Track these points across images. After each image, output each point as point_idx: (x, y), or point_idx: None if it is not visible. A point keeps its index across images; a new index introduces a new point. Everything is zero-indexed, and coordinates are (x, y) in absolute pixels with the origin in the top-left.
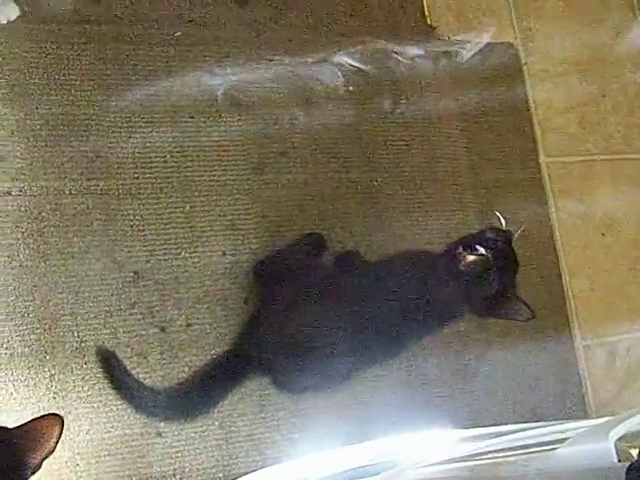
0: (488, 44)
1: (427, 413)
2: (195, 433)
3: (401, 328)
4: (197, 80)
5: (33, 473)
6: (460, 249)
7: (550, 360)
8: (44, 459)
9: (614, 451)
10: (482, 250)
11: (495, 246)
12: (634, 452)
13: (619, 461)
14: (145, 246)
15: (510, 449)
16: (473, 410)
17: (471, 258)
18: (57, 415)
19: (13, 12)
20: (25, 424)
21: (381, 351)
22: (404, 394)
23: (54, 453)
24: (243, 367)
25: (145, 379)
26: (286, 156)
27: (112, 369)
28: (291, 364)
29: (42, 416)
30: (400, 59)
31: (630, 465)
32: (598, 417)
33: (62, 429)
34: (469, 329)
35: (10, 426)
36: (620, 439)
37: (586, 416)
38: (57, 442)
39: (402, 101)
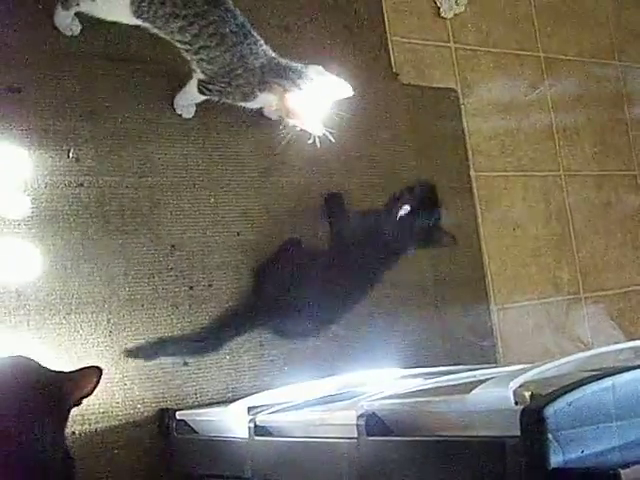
0: (437, 88)
1: (381, 354)
2: (211, 363)
3: (369, 267)
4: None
5: (74, 406)
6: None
7: (473, 320)
8: (82, 398)
9: (512, 397)
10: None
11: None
12: (528, 394)
13: (516, 404)
14: (180, 226)
15: (437, 389)
16: (416, 353)
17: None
18: (98, 367)
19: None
20: (73, 371)
21: (355, 291)
22: (360, 344)
23: (105, 375)
24: (248, 318)
25: (177, 324)
26: (285, 164)
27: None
28: (287, 318)
29: (87, 367)
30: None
31: (524, 408)
32: (505, 363)
33: (100, 378)
34: (418, 297)
35: (65, 369)
36: (520, 386)
37: (496, 362)
38: (95, 387)
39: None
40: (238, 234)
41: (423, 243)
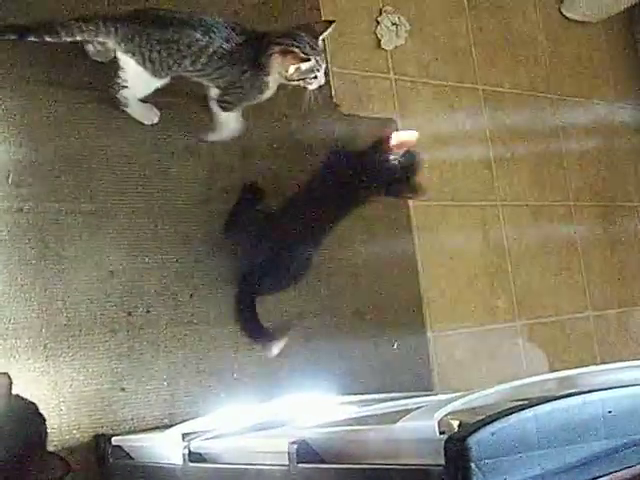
0: (377, 118)
1: (318, 381)
2: (149, 389)
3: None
4: (165, 133)
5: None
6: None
7: (410, 346)
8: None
9: (437, 427)
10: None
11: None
12: (456, 424)
13: (442, 433)
14: (119, 252)
15: (368, 417)
16: (354, 379)
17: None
18: (69, 466)
19: (155, 116)
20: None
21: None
22: (301, 371)
23: (42, 401)
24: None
25: (115, 350)
26: (228, 193)
27: None
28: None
29: (64, 459)
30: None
31: (448, 437)
32: (441, 390)
33: (66, 474)
34: (355, 324)
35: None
36: (448, 415)
37: (432, 389)
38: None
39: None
40: (177, 260)
41: (392, 193)
